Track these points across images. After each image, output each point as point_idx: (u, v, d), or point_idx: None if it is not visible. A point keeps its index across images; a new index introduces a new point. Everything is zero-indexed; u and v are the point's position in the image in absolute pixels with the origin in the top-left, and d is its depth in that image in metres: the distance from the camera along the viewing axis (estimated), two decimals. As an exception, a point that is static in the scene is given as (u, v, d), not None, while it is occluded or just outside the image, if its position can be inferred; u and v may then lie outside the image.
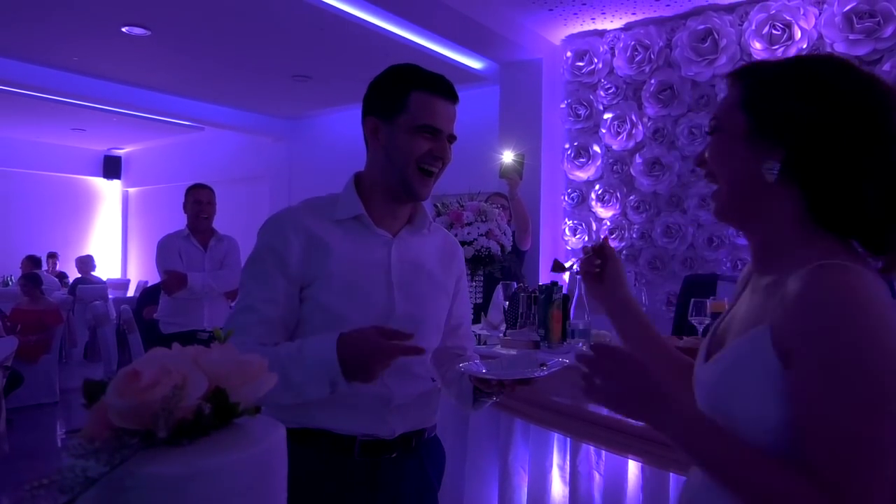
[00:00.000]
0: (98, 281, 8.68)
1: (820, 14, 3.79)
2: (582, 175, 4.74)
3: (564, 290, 2.51)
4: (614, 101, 4.57)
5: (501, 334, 2.60)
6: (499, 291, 2.79)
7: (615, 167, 4.61)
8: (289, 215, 1.34)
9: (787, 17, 3.82)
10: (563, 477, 2.28)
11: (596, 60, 4.60)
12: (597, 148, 4.66)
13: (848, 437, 0.75)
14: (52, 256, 9.20)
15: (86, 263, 8.75)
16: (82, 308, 7.07)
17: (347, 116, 7.00)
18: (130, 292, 9.29)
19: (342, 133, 7.07)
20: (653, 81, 4.37)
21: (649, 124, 4.46)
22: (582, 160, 4.71)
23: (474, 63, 5.20)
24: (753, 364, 0.83)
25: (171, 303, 3.88)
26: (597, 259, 1.19)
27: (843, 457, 0.75)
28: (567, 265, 1.41)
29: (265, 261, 1.30)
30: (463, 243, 2.82)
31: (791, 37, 3.82)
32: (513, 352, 2.33)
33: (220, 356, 0.63)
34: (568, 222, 4.80)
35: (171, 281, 3.80)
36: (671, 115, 4.36)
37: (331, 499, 1.29)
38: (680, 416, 0.85)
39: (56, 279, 8.42)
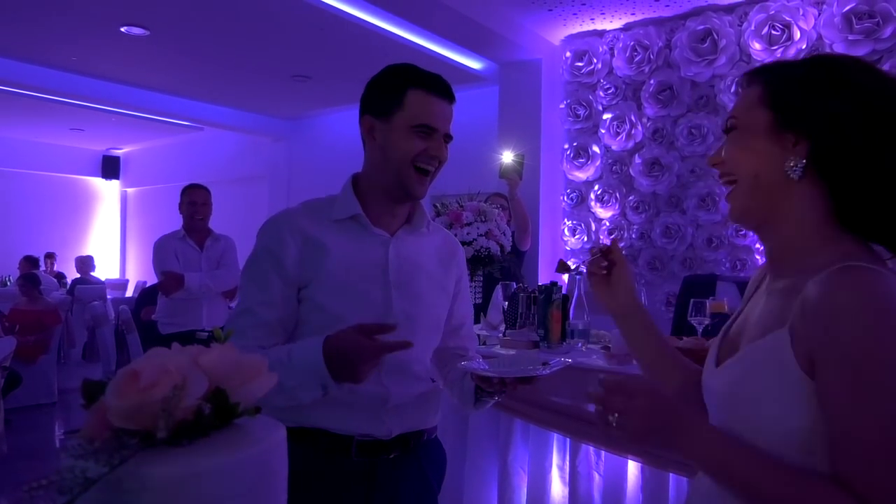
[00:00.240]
0: (97, 281, 8.67)
1: (819, 14, 3.79)
2: (581, 175, 4.74)
3: (564, 291, 2.51)
4: (614, 102, 4.57)
5: (501, 334, 2.59)
6: (498, 292, 2.79)
7: (614, 167, 4.61)
8: (285, 217, 1.35)
9: (787, 18, 3.82)
10: (562, 477, 2.28)
11: (595, 61, 4.60)
12: (596, 148, 4.66)
13: (882, 447, 0.72)
14: (50, 256, 9.19)
15: (85, 264, 8.74)
16: (81, 308, 7.06)
17: (347, 116, 7.00)
18: (129, 292, 9.28)
19: (342, 133, 7.07)
20: (652, 82, 4.37)
21: (649, 125, 4.46)
22: (581, 160, 4.71)
23: (474, 63, 5.20)
24: (772, 369, 0.81)
25: (169, 303, 3.88)
26: (604, 261, 1.16)
27: (878, 469, 0.72)
28: (572, 267, 1.39)
29: (262, 263, 1.31)
30: (462, 243, 2.81)
31: (790, 37, 3.82)
32: (512, 352, 2.33)
33: (220, 356, 0.63)
34: (567, 223, 4.80)
35: (168, 282, 3.80)
36: (671, 116, 4.36)
37: (327, 499, 1.29)
38: (704, 439, 0.82)
39: (54, 279, 8.41)
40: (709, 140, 4.19)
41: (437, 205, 3.14)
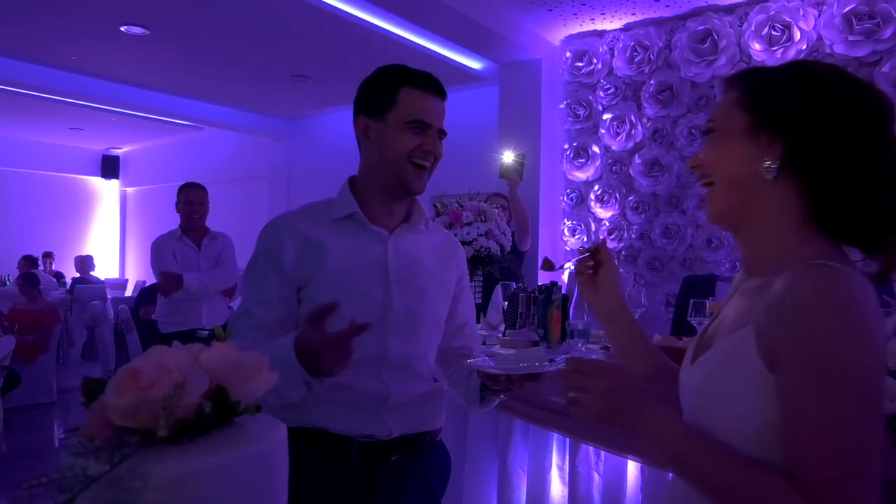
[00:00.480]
0: (96, 281, 8.66)
1: (819, 15, 3.79)
2: (581, 175, 4.74)
3: (564, 291, 2.51)
4: (614, 102, 4.57)
5: (500, 334, 2.60)
6: (498, 291, 2.79)
7: (614, 168, 4.61)
8: (284, 220, 1.36)
9: (787, 19, 3.83)
10: (562, 477, 2.27)
11: (595, 61, 4.60)
12: (596, 148, 4.66)
13: (831, 444, 0.73)
14: (48, 256, 9.18)
15: (85, 263, 8.73)
16: (80, 308, 7.05)
17: (347, 116, 6.85)
18: (128, 292, 9.27)
19: (341, 133, 7.06)
20: (652, 82, 4.37)
21: (648, 125, 4.46)
22: (581, 160, 4.71)
23: (474, 63, 5.20)
24: (738, 366, 0.82)
25: (168, 303, 3.87)
26: (590, 260, 1.18)
27: (827, 464, 0.73)
28: (555, 266, 1.39)
29: (261, 265, 1.32)
30: (462, 243, 2.82)
31: (790, 38, 3.82)
32: (511, 352, 2.32)
33: (221, 354, 0.63)
34: (567, 223, 4.80)
35: (166, 283, 3.80)
36: (670, 116, 4.36)
37: (328, 501, 1.28)
38: (661, 426, 0.83)
39: (53, 279, 8.40)
40: (709, 140, 4.18)
41: (437, 205, 3.14)
